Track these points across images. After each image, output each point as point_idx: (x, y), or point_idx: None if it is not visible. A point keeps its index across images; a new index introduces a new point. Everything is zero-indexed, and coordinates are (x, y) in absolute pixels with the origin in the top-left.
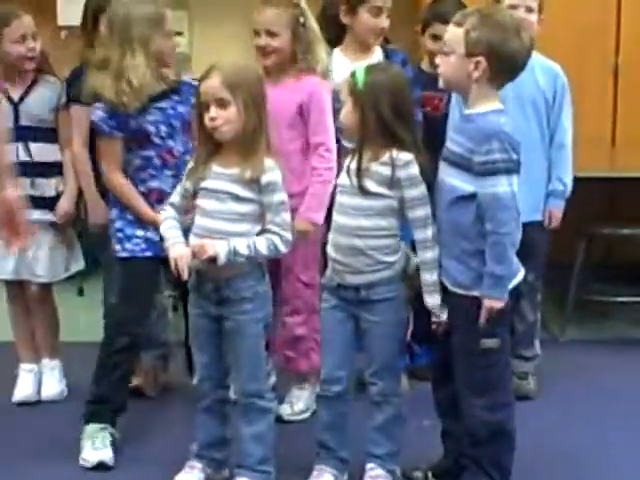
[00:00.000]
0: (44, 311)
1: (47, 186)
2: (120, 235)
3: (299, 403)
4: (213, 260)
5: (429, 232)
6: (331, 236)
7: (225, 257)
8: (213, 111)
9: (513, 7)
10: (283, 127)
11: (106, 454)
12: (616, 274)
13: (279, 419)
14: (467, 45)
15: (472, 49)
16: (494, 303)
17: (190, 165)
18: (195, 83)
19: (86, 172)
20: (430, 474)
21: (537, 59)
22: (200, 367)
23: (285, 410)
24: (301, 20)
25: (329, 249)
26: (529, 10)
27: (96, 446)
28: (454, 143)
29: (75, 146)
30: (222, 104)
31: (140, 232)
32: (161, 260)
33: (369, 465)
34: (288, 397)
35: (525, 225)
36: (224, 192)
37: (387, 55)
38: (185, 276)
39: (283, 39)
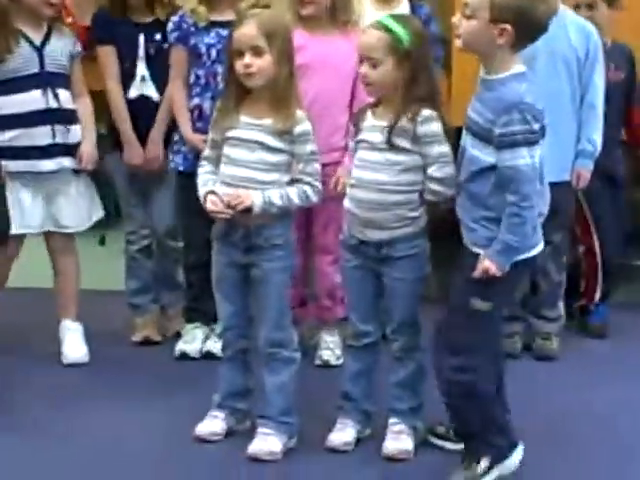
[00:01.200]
0: (69, 263)
1: (74, 132)
2: (175, 148)
3: (336, 349)
4: (248, 210)
5: (449, 191)
6: (350, 192)
7: (260, 207)
8: (248, 58)
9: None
10: (344, 80)
11: (192, 347)
12: None
13: (326, 364)
14: (493, 11)
15: (498, 15)
16: (492, 267)
17: (215, 116)
18: None
19: (122, 109)
20: (452, 430)
21: (571, 17)
22: (224, 316)
23: (329, 356)
24: None
25: (348, 204)
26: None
27: (185, 339)
28: (475, 112)
29: (108, 83)
30: (258, 52)
31: (181, 147)
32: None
33: (392, 420)
34: (323, 344)
35: (553, 185)
36: (255, 142)
37: (413, 7)
38: (222, 217)
39: None
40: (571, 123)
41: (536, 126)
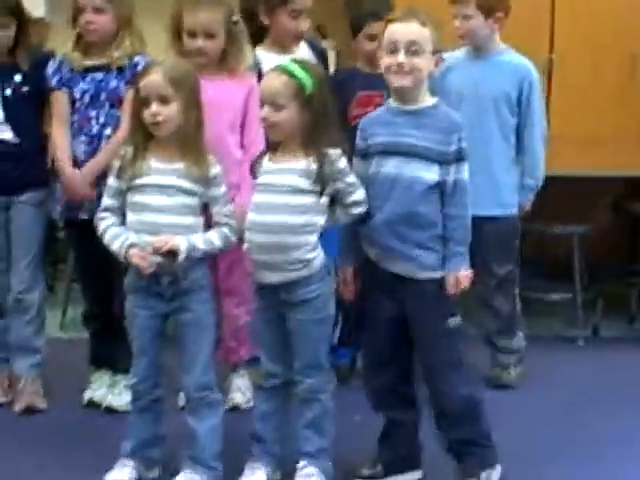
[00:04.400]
0: None
1: None
2: (56, 196)
3: (247, 392)
4: (173, 254)
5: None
6: (248, 235)
7: (185, 253)
8: (155, 107)
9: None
10: (227, 121)
11: (99, 395)
12: (549, 272)
13: (236, 408)
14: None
15: (436, 46)
16: (465, 278)
17: (117, 163)
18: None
19: None
20: (380, 467)
21: (506, 56)
22: (140, 368)
23: (240, 399)
24: (234, 18)
25: (247, 248)
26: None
27: (92, 387)
28: (413, 137)
29: None
30: (164, 100)
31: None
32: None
33: (301, 463)
34: (234, 386)
35: (488, 219)
36: (173, 187)
37: (312, 46)
38: (150, 270)
39: (220, 39)
40: (502, 160)
41: None
